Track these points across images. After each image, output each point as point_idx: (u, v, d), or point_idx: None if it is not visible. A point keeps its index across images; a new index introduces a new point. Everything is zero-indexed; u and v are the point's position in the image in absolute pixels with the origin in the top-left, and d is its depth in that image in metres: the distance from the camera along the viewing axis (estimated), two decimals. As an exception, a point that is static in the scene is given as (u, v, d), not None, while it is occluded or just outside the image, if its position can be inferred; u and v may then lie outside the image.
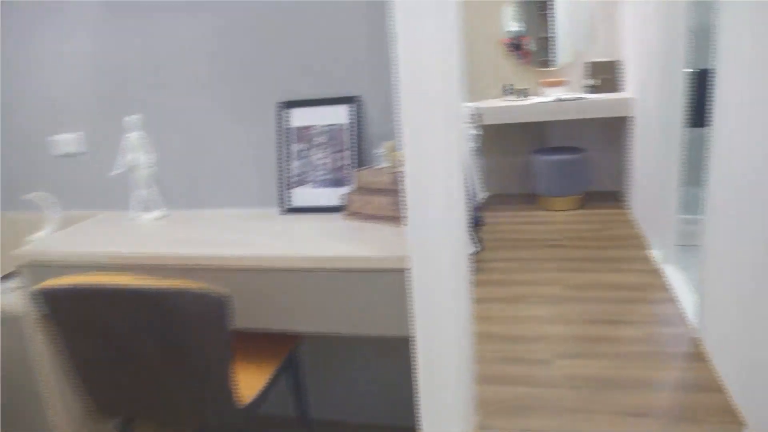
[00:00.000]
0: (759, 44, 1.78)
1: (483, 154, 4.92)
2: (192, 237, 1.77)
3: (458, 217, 1.57)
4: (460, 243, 1.61)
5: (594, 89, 4.41)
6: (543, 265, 3.44)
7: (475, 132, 4.73)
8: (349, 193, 1.80)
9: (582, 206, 4.43)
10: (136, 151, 1.97)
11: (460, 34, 1.63)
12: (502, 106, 4.29)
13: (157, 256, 1.62)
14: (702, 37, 4.10)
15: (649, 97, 3.53)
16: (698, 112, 3.32)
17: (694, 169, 3.87)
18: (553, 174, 4.35)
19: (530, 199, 4.72)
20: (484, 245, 3.80)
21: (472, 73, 4.76)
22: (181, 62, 2.02)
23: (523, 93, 4.56)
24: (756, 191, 1.82)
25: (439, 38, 1.31)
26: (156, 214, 2.04)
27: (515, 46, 4.64)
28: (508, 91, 4.63)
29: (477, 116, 4.62)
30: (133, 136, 1.97)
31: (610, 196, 4.64)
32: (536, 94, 4.66)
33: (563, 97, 4.23)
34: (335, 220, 1.81)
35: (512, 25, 4.59)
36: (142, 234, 1.86)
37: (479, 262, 3.55)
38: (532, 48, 4.61)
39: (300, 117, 1.93)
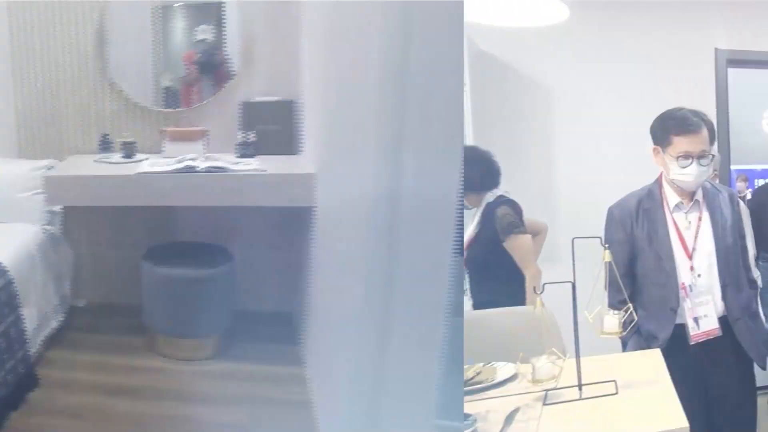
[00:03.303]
0: None
1: (69, 243, 2.79)
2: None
3: None
4: None
5: (252, 148, 2.61)
6: None
7: (53, 209, 2.58)
8: None
9: (223, 351, 2.48)
10: None
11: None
12: (87, 176, 2.35)
13: None
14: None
15: (353, 176, 1.85)
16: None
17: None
18: (173, 301, 2.38)
19: (141, 328, 2.60)
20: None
21: (54, 111, 2.73)
22: None
23: (131, 149, 2.55)
24: None
25: None
26: None
27: (208, 65, 2.74)
28: (106, 145, 2.61)
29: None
30: None
31: (273, 323, 2.82)
32: (157, 151, 2.67)
33: (195, 164, 2.30)
34: None
35: (204, 31, 2.73)
36: None
37: None
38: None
39: None
